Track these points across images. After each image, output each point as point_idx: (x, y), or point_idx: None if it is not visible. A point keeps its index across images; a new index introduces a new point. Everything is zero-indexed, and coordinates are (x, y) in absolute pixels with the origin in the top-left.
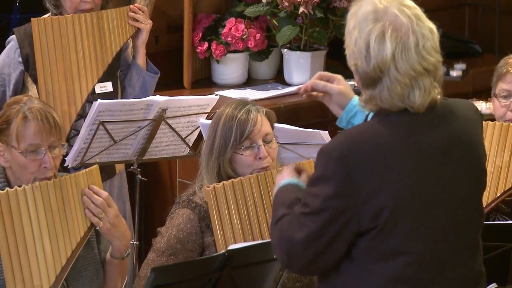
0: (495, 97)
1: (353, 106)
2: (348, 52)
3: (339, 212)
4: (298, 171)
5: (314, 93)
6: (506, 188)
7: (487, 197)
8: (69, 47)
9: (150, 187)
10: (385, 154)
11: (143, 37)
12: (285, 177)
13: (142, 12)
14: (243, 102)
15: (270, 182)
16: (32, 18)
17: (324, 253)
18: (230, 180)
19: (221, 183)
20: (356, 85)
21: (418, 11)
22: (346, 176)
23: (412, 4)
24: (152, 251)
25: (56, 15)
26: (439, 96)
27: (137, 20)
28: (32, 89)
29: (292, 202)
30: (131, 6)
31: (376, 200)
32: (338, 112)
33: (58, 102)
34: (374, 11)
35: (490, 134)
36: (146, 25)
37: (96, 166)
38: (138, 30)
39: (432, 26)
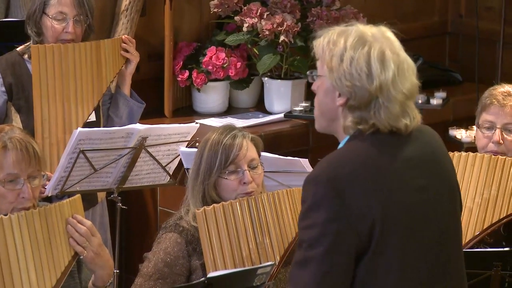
0: (478, 127)
1: None
2: (336, 74)
3: (340, 235)
4: None
5: None
6: (493, 221)
7: (474, 230)
8: (69, 75)
9: (131, 216)
10: (368, 171)
11: (132, 68)
12: None
13: (131, 43)
14: (229, 127)
15: (260, 206)
16: (32, 45)
17: (340, 282)
18: (220, 203)
19: (211, 206)
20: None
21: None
22: (337, 198)
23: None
24: (139, 276)
25: (37, 42)
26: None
27: (127, 51)
28: (16, 119)
29: None
30: (123, 37)
31: (368, 217)
32: None
33: (53, 130)
34: (364, 34)
35: (478, 166)
36: (136, 56)
37: (78, 195)
38: (127, 61)
39: None
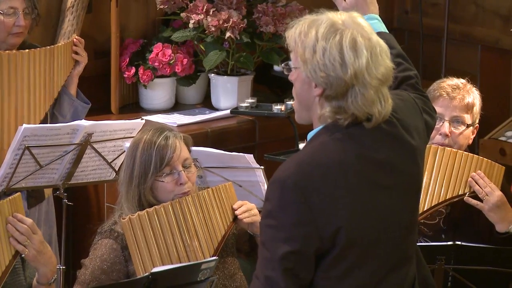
0: None
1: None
2: (310, 66)
3: (305, 239)
4: None
5: None
6: (424, 209)
7: None
8: (23, 82)
9: (78, 212)
10: (336, 175)
11: (80, 69)
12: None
13: (81, 44)
14: (160, 129)
15: (185, 209)
16: None
17: (305, 279)
18: (145, 211)
19: (136, 214)
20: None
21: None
22: (304, 203)
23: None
24: (77, 283)
25: None
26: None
27: (77, 53)
28: None
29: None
30: (73, 39)
31: (334, 221)
32: None
33: (6, 135)
34: (335, 22)
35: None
36: (85, 58)
37: (19, 194)
38: (76, 61)
39: None
